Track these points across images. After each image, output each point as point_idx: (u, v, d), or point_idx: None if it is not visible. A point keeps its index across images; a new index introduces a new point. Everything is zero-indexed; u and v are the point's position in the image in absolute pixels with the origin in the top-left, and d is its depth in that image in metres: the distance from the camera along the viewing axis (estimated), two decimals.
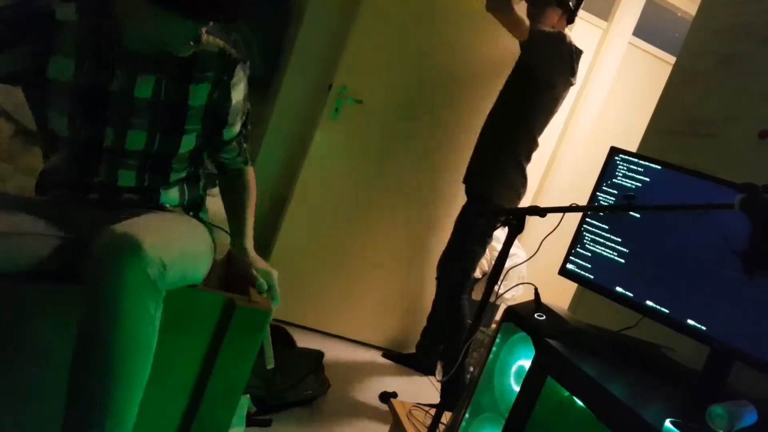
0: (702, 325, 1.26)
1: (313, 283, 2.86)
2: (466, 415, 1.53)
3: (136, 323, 1.08)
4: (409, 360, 2.81)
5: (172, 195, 1.36)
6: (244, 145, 1.46)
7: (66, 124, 1.20)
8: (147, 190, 1.32)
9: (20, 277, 1.14)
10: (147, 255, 1.07)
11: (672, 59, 2.33)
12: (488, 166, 2.46)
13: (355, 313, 2.92)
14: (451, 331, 2.47)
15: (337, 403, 2.26)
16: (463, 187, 2.60)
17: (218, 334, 1.36)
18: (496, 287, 1.51)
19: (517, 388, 1.39)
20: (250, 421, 2.07)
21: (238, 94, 1.34)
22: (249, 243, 1.47)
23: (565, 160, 2.55)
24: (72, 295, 1.21)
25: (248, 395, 2.08)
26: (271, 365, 1.51)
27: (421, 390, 2.56)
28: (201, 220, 1.43)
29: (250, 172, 1.51)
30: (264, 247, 2.77)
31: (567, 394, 1.24)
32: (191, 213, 1.41)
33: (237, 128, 1.40)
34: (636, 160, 1.46)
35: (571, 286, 1.95)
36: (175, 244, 1.18)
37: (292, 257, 2.76)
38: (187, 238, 1.26)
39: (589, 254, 1.48)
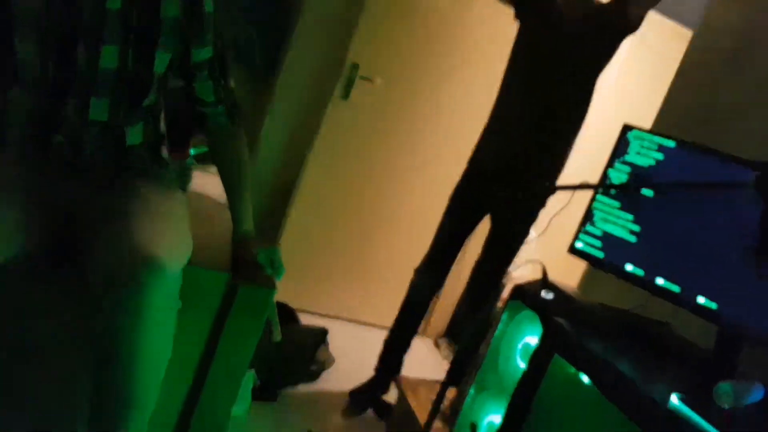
0: (713, 303, 1.24)
1: (321, 269, 2.83)
2: (471, 392, 1.52)
3: (162, 342, 1.11)
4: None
5: (135, 134, 1.30)
6: (224, 83, 1.36)
7: (35, 48, 1.16)
8: (115, 130, 1.26)
9: (13, 274, 1.12)
10: (170, 275, 1.08)
11: (690, 33, 2.27)
12: (557, 150, 2.13)
13: (362, 297, 2.91)
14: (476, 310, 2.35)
15: (342, 379, 2.27)
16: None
17: (222, 312, 1.36)
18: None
19: (522, 366, 1.38)
20: (256, 396, 2.08)
21: (210, 4, 1.27)
22: (248, 225, 1.44)
23: (576, 137, 2.49)
24: (66, 293, 1.21)
25: (253, 370, 2.09)
26: (278, 338, 1.52)
27: (426, 366, 2.57)
28: (164, 161, 1.38)
29: (239, 135, 1.42)
30: (271, 232, 2.73)
31: (573, 371, 1.23)
32: (155, 154, 1.36)
33: (209, 50, 1.31)
34: (649, 136, 1.43)
35: (580, 266, 1.93)
36: (178, 242, 1.18)
37: (300, 244, 2.72)
38: (180, 223, 1.25)
39: (600, 232, 1.45)
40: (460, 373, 1.80)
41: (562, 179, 2.31)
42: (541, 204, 2.10)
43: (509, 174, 2.10)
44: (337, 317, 2.88)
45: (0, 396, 1.22)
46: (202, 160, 1.93)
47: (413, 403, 1.81)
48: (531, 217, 2.13)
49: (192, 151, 1.95)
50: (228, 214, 1.44)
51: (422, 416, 1.71)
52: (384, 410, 2.22)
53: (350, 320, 2.92)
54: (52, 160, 1.23)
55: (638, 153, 1.44)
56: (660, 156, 1.40)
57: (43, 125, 1.22)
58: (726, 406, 1.04)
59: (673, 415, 1.02)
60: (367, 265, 2.89)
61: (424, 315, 2.33)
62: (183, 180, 1.44)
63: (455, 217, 2.23)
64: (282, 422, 2.03)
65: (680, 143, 1.39)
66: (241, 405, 1.95)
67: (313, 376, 2.35)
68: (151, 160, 1.34)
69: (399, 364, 2.29)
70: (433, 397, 1.55)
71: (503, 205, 2.14)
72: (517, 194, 2.08)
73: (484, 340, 1.71)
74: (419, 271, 2.26)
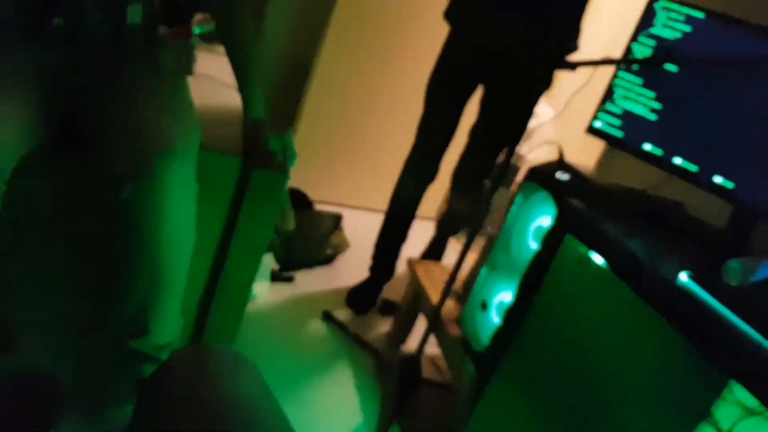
0: (730, 182, 1.22)
1: (337, 158, 2.81)
2: (483, 272, 1.56)
3: (185, 228, 1.12)
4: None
5: (135, 13, 1.24)
6: None
7: None
8: (115, 7, 1.20)
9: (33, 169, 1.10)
10: (186, 159, 1.07)
11: None
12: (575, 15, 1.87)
13: (377, 185, 2.89)
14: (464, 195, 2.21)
15: (357, 262, 2.33)
16: None
17: (237, 197, 1.37)
18: (518, 148, 1.46)
19: (534, 247, 1.39)
20: (275, 277, 2.15)
21: None
22: (259, 109, 1.40)
23: (599, 8, 2.31)
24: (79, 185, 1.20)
25: (272, 253, 2.15)
26: (291, 227, 1.54)
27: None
28: (163, 42, 1.32)
29: (244, 9, 1.35)
30: (285, 118, 2.68)
31: (585, 251, 1.24)
32: (154, 35, 1.30)
33: None
34: (678, 6, 1.34)
35: (598, 147, 1.89)
36: (188, 125, 1.16)
37: (316, 133, 2.67)
38: (186, 106, 1.22)
39: (620, 111, 1.41)
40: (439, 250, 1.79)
41: (582, 55, 2.19)
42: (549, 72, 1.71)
43: (509, 37, 1.81)
44: (351, 206, 2.91)
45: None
46: (209, 39, 1.86)
47: (426, 284, 1.86)
48: (537, 89, 1.91)
49: (196, 30, 1.87)
50: (238, 97, 1.41)
51: (435, 297, 1.77)
52: (388, 308, 2.24)
53: (365, 208, 2.94)
54: (51, 45, 1.19)
55: (665, 25, 1.35)
56: (687, 28, 1.32)
57: (40, 6, 1.16)
58: (734, 283, 1.05)
59: (682, 292, 1.03)
60: (383, 152, 2.87)
61: (415, 212, 2.17)
62: (187, 61, 1.39)
63: (441, 98, 1.99)
64: (299, 303, 2.11)
65: (710, 14, 1.30)
66: (261, 286, 2.02)
67: (329, 259, 2.41)
68: (150, 41, 1.29)
69: (392, 264, 2.23)
70: (446, 278, 1.58)
71: (501, 73, 1.89)
72: (519, 62, 1.81)
73: (485, 223, 1.73)
74: (407, 167, 2.10)
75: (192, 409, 0.63)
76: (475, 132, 2.03)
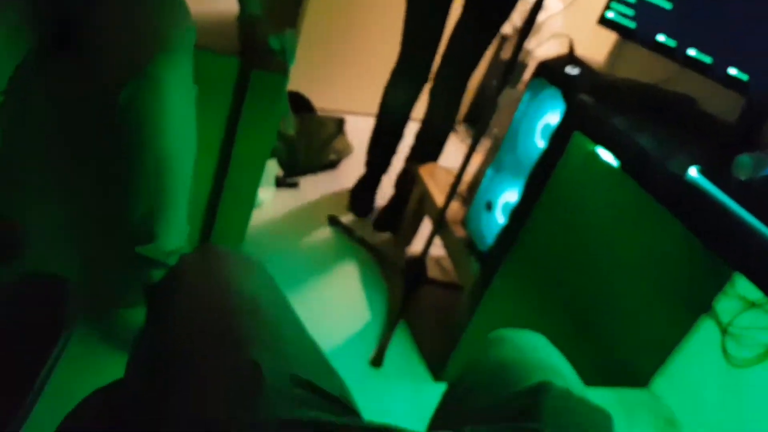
0: (744, 74, 1.18)
1: (338, 64, 2.75)
2: (488, 173, 1.54)
3: (185, 130, 1.09)
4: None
5: None
6: None
7: None
8: None
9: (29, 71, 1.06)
10: (182, 57, 1.03)
11: None
12: None
13: (377, 89, 2.84)
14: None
15: (361, 166, 2.31)
16: None
17: (237, 99, 1.34)
18: (525, 43, 1.40)
19: (542, 145, 1.37)
20: (279, 183, 2.15)
21: None
22: (255, 6, 1.35)
23: None
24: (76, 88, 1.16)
25: (276, 160, 2.14)
26: (292, 131, 1.51)
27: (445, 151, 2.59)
28: None
29: None
30: (286, 23, 2.58)
31: (592, 148, 1.22)
32: None
33: None
34: None
35: (610, 39, 1.82)
36: (181, 23, 1.10)
37: (317, 40, 2.58)
38: (178, 6, 1.15)
39: (633, 0, 1.34)
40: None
41: None
42: None
43: None
44: (353, 112, 2.85)
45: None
46: None
47: (431, 187, 1.85)
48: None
49: None
50: None
51: (440, 199, 1.77)
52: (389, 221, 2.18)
53: (367, 114, 2.89)
54: None
55: None
56: None
57: None
58: (743, 177, 1.04)
59: (691, 187, 1.02)
60: (384, 56, 2.77)
61: (409, 113, 2.10)
62: None
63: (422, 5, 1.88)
64: (304, 208, 2.12)
65: None
66: (266, 192, 2.02)
67: (333, 164, 2.40)
68: None
69: (388, 159, 2.21)
70: (451, 180, 1.57)
71: None
72: None
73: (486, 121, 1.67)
74: (393, 75, 2.03)
75: (202, 309, 0.64)
76: (458, 23, 1.92)
